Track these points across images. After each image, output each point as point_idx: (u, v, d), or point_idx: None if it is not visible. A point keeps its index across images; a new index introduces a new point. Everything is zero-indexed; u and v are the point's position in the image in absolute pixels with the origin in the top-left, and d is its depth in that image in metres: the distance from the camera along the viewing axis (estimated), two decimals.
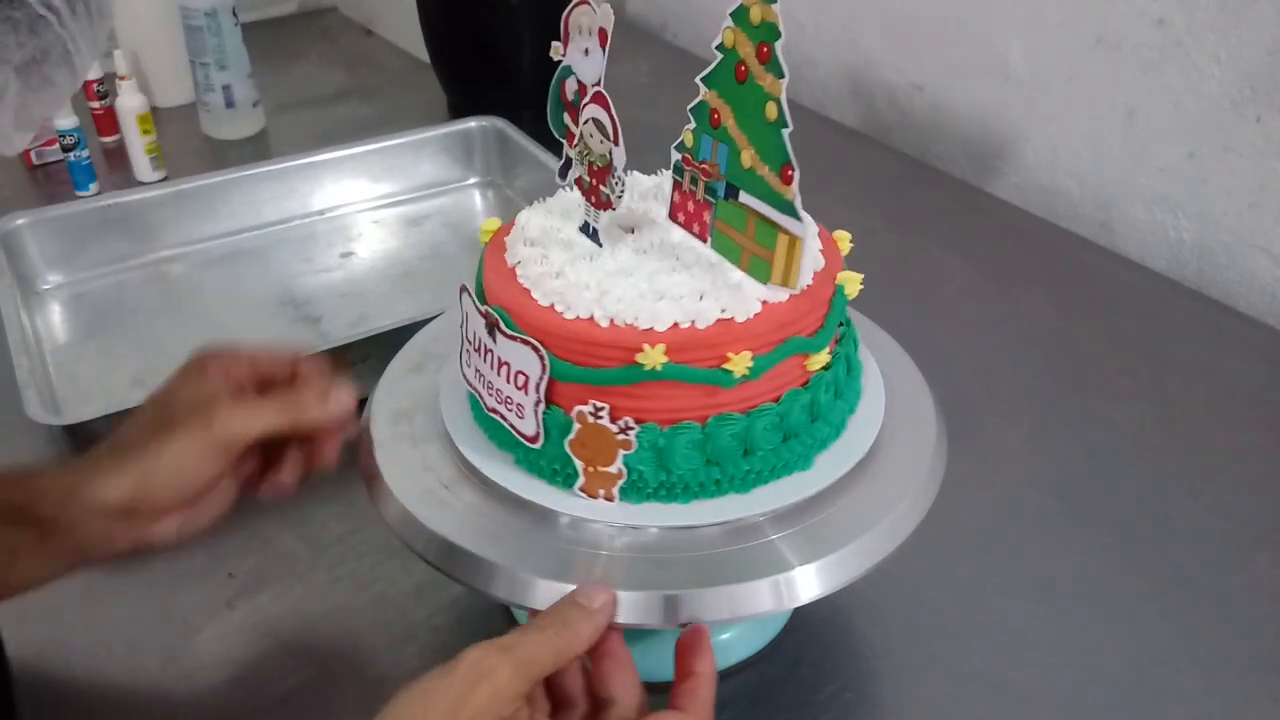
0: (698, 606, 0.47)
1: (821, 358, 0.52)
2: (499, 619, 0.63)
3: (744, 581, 0.47)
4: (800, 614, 0.63)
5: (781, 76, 0.46)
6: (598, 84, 0.53)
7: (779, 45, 0.45)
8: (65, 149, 1.08)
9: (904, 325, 0.63)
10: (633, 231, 0.55)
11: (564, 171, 0.57)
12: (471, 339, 0.53)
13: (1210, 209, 0.98)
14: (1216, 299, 0.97)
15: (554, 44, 0.54)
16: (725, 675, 0.60)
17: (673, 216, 0.55)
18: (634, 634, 0.58)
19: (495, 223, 0.57)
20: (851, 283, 0.53)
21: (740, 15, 0.46)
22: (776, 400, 0.50)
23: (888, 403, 0.56)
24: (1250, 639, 0.63)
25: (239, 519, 0.69)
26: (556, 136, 0.57)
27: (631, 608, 0.47)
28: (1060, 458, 0.77)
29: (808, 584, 0.48)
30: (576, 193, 0.56)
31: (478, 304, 0.51)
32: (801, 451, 0.52)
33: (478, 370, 0.53)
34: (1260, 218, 0.94)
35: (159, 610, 0.64)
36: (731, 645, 0.60)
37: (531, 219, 0.56)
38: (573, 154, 0.55)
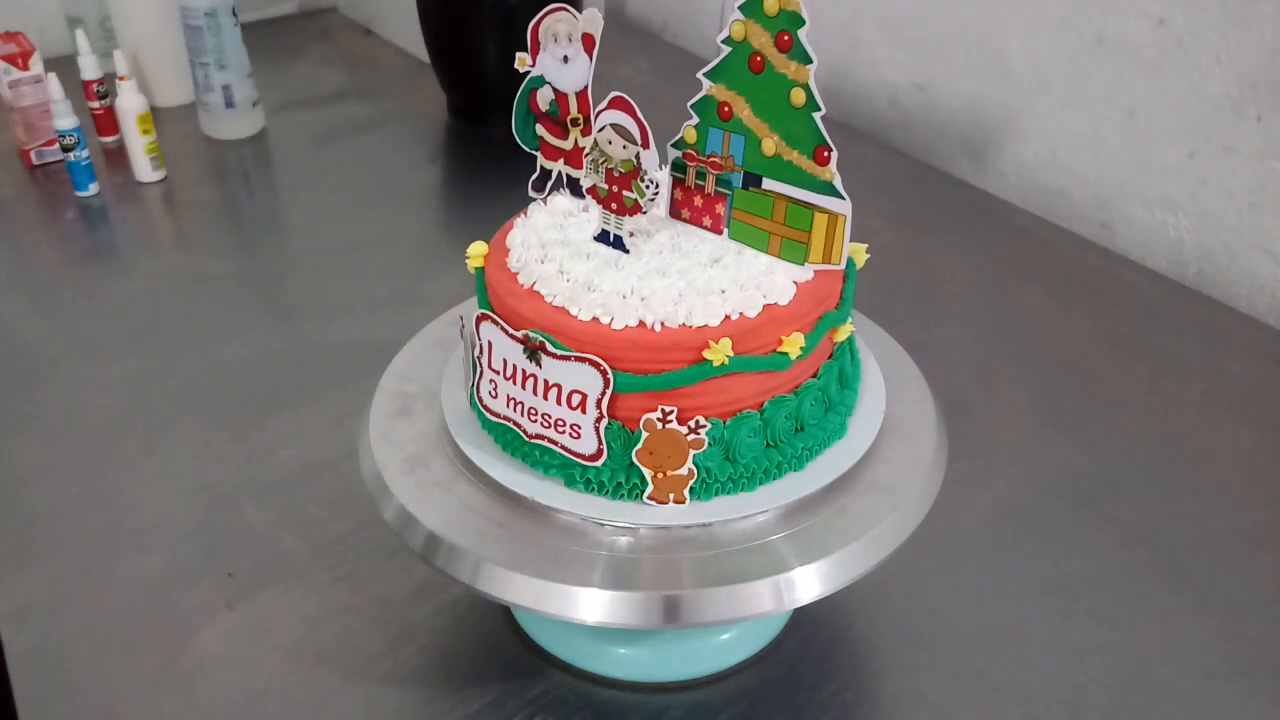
0: (698, 606, 0.47)
1: (847, 328, 0.54)
2: (499, 619, 0.63)
3: (744, 581, 0.47)
4: (800, 614, 0.63)
5: (809, 62, 0.46)
6: (583, 90, 0.53)
7: (802, 32, 0.45)
8: (65, 149, 1.08)
9: (904, 325, 0.63)
10: (632, 235, 0.55)
11: (539, 184, 0.57)
12: (500, 368, 0.51)
13: (1210, 209, 0.98)
14: (1216, 299, 0.97)
15: (519, 55, 0.54)
16: (725, 675, 0.60)
17: (675, 213, 0.54)
18: (634, 634, 0.58)
19: (482, 247, 0.55)
20: (859, 253, 0.55)
21: (752, 7, 0.47)
22: (815, 375, 0.52)
23: (888, 403, 0.56)
24: (1250, 639, 0.63)
25: (239, 518, 0.70)
26: (526, 150, 0.57)
27: (631, 608, 0.47)
28: (1060, 458, 0.77)
29: (808, 584, 0.48)
30: (559, 202, 0.56)
31: (509, 330, 0.50)
32: (838, 421, 0.54)
33: (512, 399, 0.51)
34: (1260, 218, 0.94)
35: (159, 610, 0.64)
36: (731, 645, 0.60)
37: (526, 238, 0.54)
38: (553, 166, 0.55)
